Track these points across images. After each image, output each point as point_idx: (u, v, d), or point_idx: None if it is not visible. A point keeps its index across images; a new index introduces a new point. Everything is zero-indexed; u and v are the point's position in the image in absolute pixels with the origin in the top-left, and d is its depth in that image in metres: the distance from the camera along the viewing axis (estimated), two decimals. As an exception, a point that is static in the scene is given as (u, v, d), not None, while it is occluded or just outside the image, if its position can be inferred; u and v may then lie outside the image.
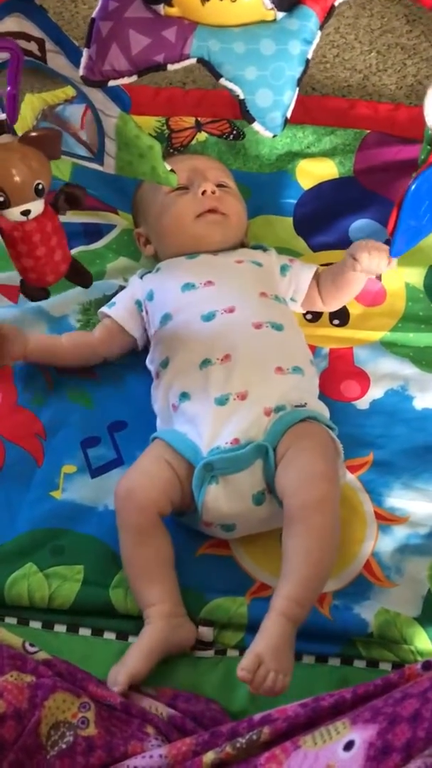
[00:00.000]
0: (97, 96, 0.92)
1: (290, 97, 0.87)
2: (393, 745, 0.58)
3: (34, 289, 0.90)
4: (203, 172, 1.17)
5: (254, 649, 0.82)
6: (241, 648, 0.92)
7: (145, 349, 1.12)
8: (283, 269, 1.16)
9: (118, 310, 1.14)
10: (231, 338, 1.03)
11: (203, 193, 1.14)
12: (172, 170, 0.94)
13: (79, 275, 0.93)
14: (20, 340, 1.10)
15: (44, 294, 0.92)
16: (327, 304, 1.17)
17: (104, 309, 1.15)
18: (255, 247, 1.19)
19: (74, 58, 0.88)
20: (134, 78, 0.85)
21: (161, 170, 0.93)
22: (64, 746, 0.74)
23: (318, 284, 1.16)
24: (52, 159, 0.83)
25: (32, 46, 0.90)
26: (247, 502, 0.95)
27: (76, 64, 0.88)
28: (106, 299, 1.18)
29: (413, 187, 0.94)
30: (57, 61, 0.90)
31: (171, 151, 1.36)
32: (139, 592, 0.94)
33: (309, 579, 0.86)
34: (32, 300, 0.93)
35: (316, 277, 1.16)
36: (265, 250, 1.18)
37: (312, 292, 1.16)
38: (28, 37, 0.89)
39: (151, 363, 1.10)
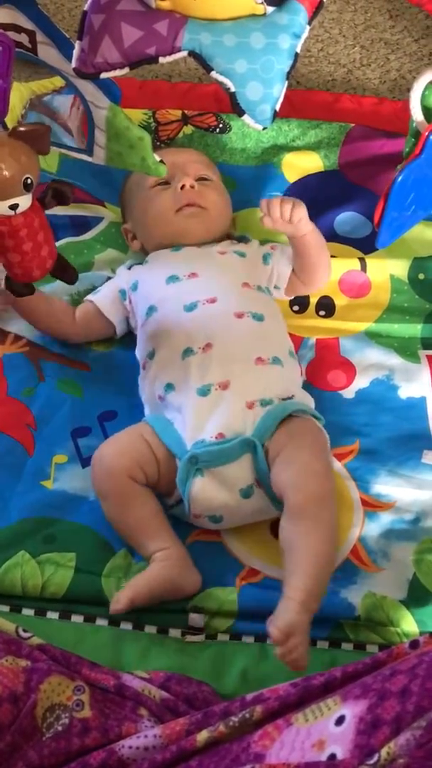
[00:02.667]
0: (87, 87, 0.93)
1: (279, 90, 0.88)
2: (383, 719, 0.60)
3: (19, 285, 0.90)
4: (183, 167, 1.18)
5: (288, 618, 0.83)
6: (232, 633, 0.94)
7: (134, 340, 1.13)
8: (266, 258, 1.17)
9: (101, 296, 1.15)
10: (212, 327, 1.04)
11: (182, 187, 1.16)
12: (161, 161, 0.95)
13: (65, 271, 0.93)
14: None
15: (29, 290, 0.92)
16: (306, 283, 1.17)
17: (89, 296, 1.17)
18: (239, 239, 1.20)
19: (65, 50, 0.89)
20: (126, 70, 0.86)
21: (151, 161, 0.94)
22: (59, 728, 0.76)
23: (294, 269, 1.17)
24: (41, 154, 0.84)
25: (23, 38, 0.91)
26: (235, 495, 0.96)
27: (67, 56, 0.88)
28: (95, 290, 1.19)
29: (399, 179, 0.96)
30: (48, 52, 0.90)
31: (158, 143, 1.36)
32: (139, 548, 0.96)
33: (319, 572, 0.89)
34: (17, 296, 0.92)
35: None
36: (247, 241, 1.19)
37: (292, 277, 1.17)
38: (18, 29, 0.90)
39: (139, 355, 1.11)
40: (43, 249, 0.87)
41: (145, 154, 0.93)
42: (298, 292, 1.20)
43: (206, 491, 0.96)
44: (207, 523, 0.99)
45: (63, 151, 1.07)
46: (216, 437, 0.97)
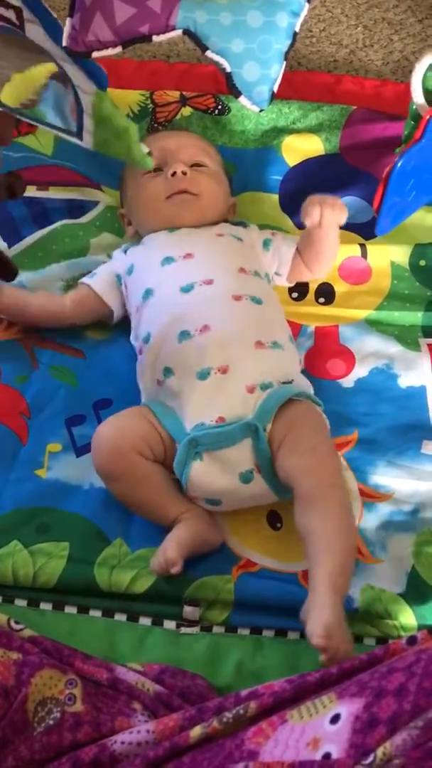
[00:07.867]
0: (74, 71, 0.89)
1: (277, 71, 0.86)
2: (379, 718, 0.59)
3: None
4: (176, 153, 1.16)
5: (324, 618, 0.80)
6: (227, 625, 0.93)
7: (129, 326, 1.12)
8: (266, 244, 1.15)
9: (98, 280, 1.13)
10: (210, 309, 1.02)
11: (173, 174, 1.13)
12: (149, 153, 0.92)
13: (4, 268, 0.91)
14: None
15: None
16: (313, 270, 1.16)
17: (84, 279, 1.15)
18: (236, 223, 1.18)
19: (51, 29, 0.85)
20: (118, 49, 0.83)
21: (137, 152, 0.91)
22: (51, 722, 0.75)
23: (300, 254, 1.15)
24: (2, 144, 0.82)
25: (10, 14, 0.87)
26: (235, 479, 0.95)
27: (53, 36, 0.85)
28: (90, 273, 1.16)
29: (399, 164, 0.94)
30: (33, 31, 0.87)
31: (155, 125, 1.34)
32: (160, 518, 0.96)
33: (342, 553, 0.87)
34: None
35: (297, 247, 1.16)
36: (246, 226, 1.17)
37: (296, 262, 1.15)
38: (6, 5, 0.86)
39: (135, 340, 1.09)
40: None
41: (131, 144, 0.90)
42: (301, 278, 1.18)
43: (205, 475, 0.95)
44: (204, 505, 0.98)
45: (55, 132, 1.04)
46: (216, 421, 0.95)
